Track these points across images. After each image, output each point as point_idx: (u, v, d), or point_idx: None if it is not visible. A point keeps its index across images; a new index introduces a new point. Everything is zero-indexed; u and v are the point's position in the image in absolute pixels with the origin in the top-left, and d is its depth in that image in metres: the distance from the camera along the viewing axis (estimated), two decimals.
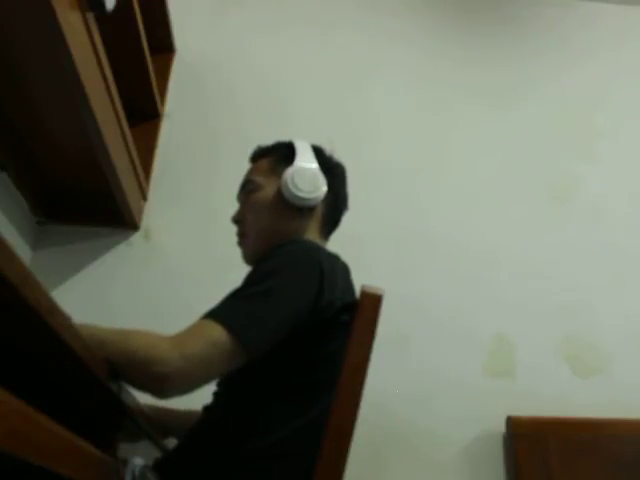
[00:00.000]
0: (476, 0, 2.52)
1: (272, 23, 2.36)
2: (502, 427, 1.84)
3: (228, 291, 1.00)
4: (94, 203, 1.90)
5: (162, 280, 1.91)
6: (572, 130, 2.31)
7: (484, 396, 1.88)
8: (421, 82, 2.33)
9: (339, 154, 1.29)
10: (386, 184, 2.13)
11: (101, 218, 1.93)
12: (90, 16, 1.24)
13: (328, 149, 1.26)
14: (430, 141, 2.24)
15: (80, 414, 0.77)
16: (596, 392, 1.92)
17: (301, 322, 0.99)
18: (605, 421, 1.84)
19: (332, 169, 1.22)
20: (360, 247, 1.91)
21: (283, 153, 1.21)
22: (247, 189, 1.22)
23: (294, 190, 1.14)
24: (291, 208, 1.16)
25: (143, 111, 2.04)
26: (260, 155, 1.26)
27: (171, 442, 1.30)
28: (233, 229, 1.24)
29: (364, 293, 1.02)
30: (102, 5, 1.21)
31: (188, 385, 0.89)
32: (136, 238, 1.98)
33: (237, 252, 1.24)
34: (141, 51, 1.82)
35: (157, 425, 1.26)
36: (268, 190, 1.19)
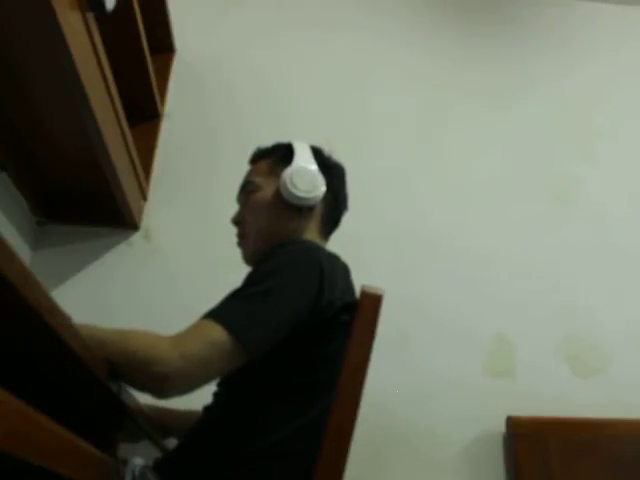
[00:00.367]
0: (476, 0, 2.52)
1: (272, 23, 2.36)
2: (502, 427, 1.84)
3: (228, 291, 1.00)
4: (94, 203, 1.90)
5: (162, 280, 1.91)
6: (572, 130, 2.31)
7: (484, 396, 1.88)
8: (421, 82, 2.33)
9: (339, 154, 1.29)
10: (386, 184, 2.13)
11: (101, 218, 1.93)
12: (90, 16, 1.24)
13: (327, 149, 1.26)
14: (430, 141, 2.24)
15: (80, 414, 0.77)
16: (596, 392, 1.92)
17: (301, 322, 0.99)
18: (605, 421, 1.84)
19: (331, 169, 1.23)
20: (360, 247, 1.91)
21: (282, 154, 1.21)
22: (246, 190, 1.23)
23: (293, 190, 1.14)
24: (290, 208, 1.16)
25: (143, 111, 2.04)
26: (259, 157, 1.27)
27: (171, 442, 1.30)
28: (233, 229, 1.25)
29: (364, 293, 1.02)
30: (102, 5, 1.21)
31: (188, 385, 0.89)
32: (136, 238, 1.98)
33: (237, 252, 1.24)
34: (141, 51, 1.82)
35: (157, 425, 1.26)
36: (267, 190, 1.19)
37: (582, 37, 2.48)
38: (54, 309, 0.59)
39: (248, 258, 1.21)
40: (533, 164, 2.24)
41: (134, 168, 1.79)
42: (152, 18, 1.96)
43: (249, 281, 1.02)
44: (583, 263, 2.10)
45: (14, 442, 0.47)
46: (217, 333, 0.90)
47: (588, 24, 2.50)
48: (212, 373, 0.93)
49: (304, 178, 1.15)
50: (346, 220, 1.29)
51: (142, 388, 0.88)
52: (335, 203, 1.24)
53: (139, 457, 0.90)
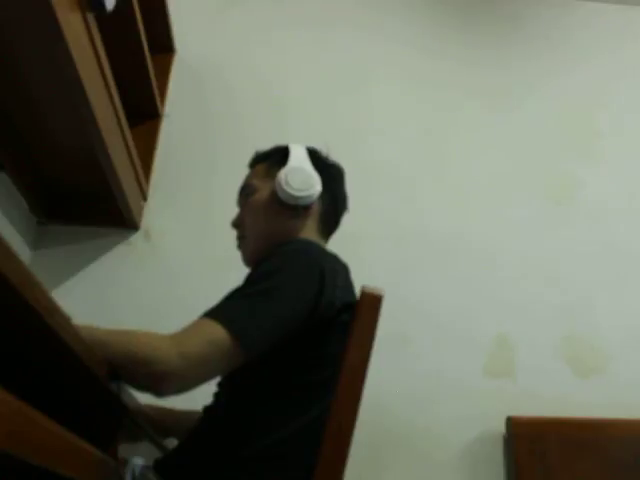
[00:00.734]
0: (476, 0, 2.52)
1: (272, 23, 2.36)
2: (502, 427, 1.84)
3: (228, 291, 1.00)
4: (94, 203, 1.90)
5: (162, 280, 1.91)
6: (572, 130, 2.31)
7: (484, 396, 1.88)
8: (421, 82, 2.33)
9: (339, 154, 1.29)
10: (386, 184, 2.13)
11: (101, 218, 1.93)
12: (90, 16, 1.24)
13: (324, 150, 1.27)
14: (430, 141, 2.24)
15: (80, 414, 0.77)
16: (596, 392, 1.92)
17: (301, 322, 0.99)
18: (605, 421, 1.84)
19: (327, 169, 1.23)
20: (360, 247, 1.91)
21: (278, 157, 1.23)
22: (244, 193, 1.25)
23: (287, 189, 1.15)
24: (286, 208, 1.17)
25: (143, 111, 2.04)
26: (257, 160, 1.28)
27: (171, 442, 1.30)
28: (233, 229, 1.25)
29: (364, 293, 1.02)
30: (102, 5, 1.21)
31: (187, 383, 0.89)
32: (136, 238, 1.98)
33: (236, 252, 1.24)
34: (141, 51, 1.82)
35: (157, 425, 1.26)
36: (263, 192, 1.20)
37: (582, 37, 2.48)
38: (54, 309, 0.59)
39: (248, 260, 1.21)
40: (533, 164, 2.24)
41: (134, 168, 1.79)
42: (152, 18, 1.95)
43: (249, 280, 1.02)
44: (583, 263, 2.10)
45: (14, 442, 0.47)
46: (216, 332, 0.90)
47: (588, 24, 2.50)
48: (211, 372, 0.93)
49: (298, 177, 1.16)
50: (346, 220, 1.29)
51: (141, 387, 0.88)
52: (333, 203, 1.24)
53: (139, 457, 0.90)
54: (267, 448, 0.98)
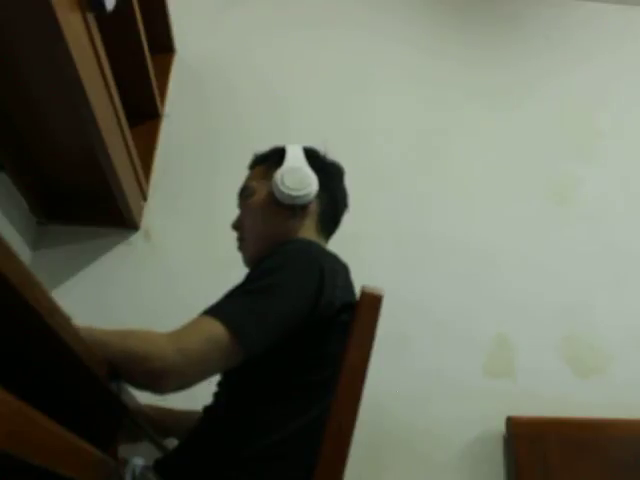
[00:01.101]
0: (476, 0, 2.52)
1: (272, 23, 2.36)
2: (502, 427, 1.84)
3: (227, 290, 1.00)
4: (94, 203, 1.89)
5: (162, 280, 1.91)
6: (572, 130, 2.31)
7: (484, 396, 1.88)
8: (421, 82, 2.33)
9: (339, 154, 1.29)
10: (386, 184, 2.13)
11: (101, 218, 1.93)
12: (90, 16, 1.24)
13: (322, 150, 1.27)
14: (430, 140, 2.24)
15: (80, 414, 0.77)
16: (596, 392, 1.92)
17: (301, 320, 0.99)
18: (605, 421, 1.84)
19: (325, 168, 1.23)
20: (360, 247, 1.91)
21: (275, 157, 1.23)
22: (244, 195, 1.25)
23: (283, 189, 1.15)
24: (284, 208, 1.17)
25: (143, 111, 2.04)
26: (256, 162, 1.29)
27: (171, 442, 1.30)
28: (233, 231, 1.25)
29: (364, 293, 1.03)
30: (102, 5, 1.21)
31: (185, 381, 0.89)
32: (136, 238, 1.98)
33: (237, 252, 1.24)
34: (141, 51, 1.82)
35: (157, 425, 1.26)
36: (261, 193, 1.21)
37: (582, 37, 2.48)
38: (54, 309, 0.59)
39: (248, 261, 1.22)
40: (533, 164, 2.23)
41: (134, 168, 1.79)
42: (152, 18, 1.96)
43: (249, 278, 1.02)
44: (583, 263, 2.09)
45: (14, 442, 0.47)
46: (215, 329, 0.90)
47: (588, 24, 2.50)
48: (210, 369, 0.93)
49: (294, 177, 1.17)
50: (346, 220, 1.29)
51: (140, 384, 0.88)
52: (332, 201, 1.24)
53: (139, 457, 0.90)
54: (267, 448, 0.98)
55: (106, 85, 1.42)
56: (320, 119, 2.18)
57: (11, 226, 1.76)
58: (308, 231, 1.19)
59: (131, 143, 1.71)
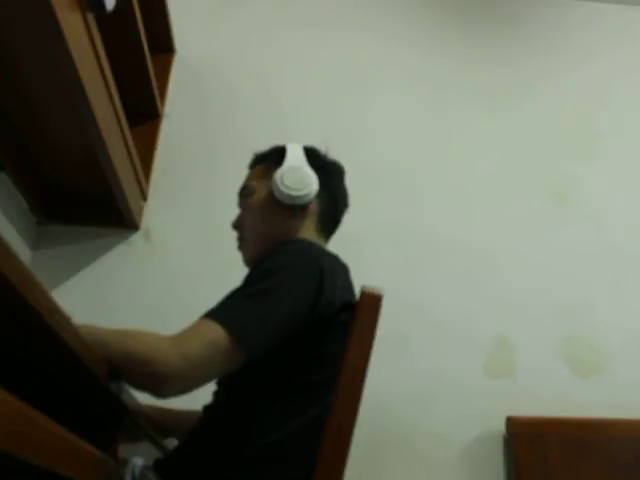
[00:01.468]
0: (476, 0, 2.52)
1: (272, 23, 2.36)
2: (502, 427, 1.84)
3: (228, 291, 1.00)
4: (94, 203, 1.89)
5: (162, 280, 1.91)
6: (572, 130, 2.31)
7: (484, 396, 1.88)
8: (421, 82, 2.33)
9: (339, 154, 1.29)
10: (386, 184, 2.13)
11: (101, 218, 1.93)
12: (90, 16, 1.24)
13: (322, 149, 1.27)
14: (430, 141, 2.24)
15: (80, 414, 0.77)
16: (596, 392, 1.92)
17: (301, 320, 0.99)
18: (605, 421, 1.84)
19: (325, 167, 1.23)
20: (360, 247, 1.91)
21: (275, 157, 1.23)
22: (244, 194, 1.25)
23: (283, 189, 1.15)
24: (284, 208, 1.17)
25: (143, 111, 2.04)
26: (256, 162, 1.28)
27: (171, 442, 1.30)
28: (233, 230, 1.25)
29: (364, 293, 1.02)
30: (102, 5, 1.21)
31: (187, 385, 0.89)
32: (136, 238, 1.98)
33: (237, 252, 1.24)
34: (141, 51, 1.82)
35: (157, 425, 1.26)
36: (261, 193, 1.20)
37: (582, 37, 2.48)
38: (54, 309, 0.59)
39: (248, 261, 1.22)
40: (533, 164, 2.24)
41: (134, 168, 1.79)
42: (152, 18, 1.96)
43: (249, 281, 1.02)
44: (583, 263, 2.10)
45: (14, 442, 0.47)
46: (216, 333, 0.90)
47: (588, 24, 2.50)
48: (212, 373, 0.93)
49: (294, 177, 1.16)
50: (346, 220, 1.29)
51: (141, 387, 0.88)
52: (332, 201, 1.24)
53: (139, 457, 0.90)
54: (267, 448, 0.98)
55: (106, 85, 1.42)
56: (320, 119, 2.18)
57: (11, 226, 1.76)
58: (308, 231, 1.19)
59: (131, 143, 1.71)
